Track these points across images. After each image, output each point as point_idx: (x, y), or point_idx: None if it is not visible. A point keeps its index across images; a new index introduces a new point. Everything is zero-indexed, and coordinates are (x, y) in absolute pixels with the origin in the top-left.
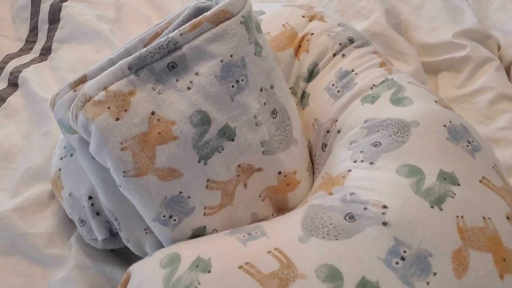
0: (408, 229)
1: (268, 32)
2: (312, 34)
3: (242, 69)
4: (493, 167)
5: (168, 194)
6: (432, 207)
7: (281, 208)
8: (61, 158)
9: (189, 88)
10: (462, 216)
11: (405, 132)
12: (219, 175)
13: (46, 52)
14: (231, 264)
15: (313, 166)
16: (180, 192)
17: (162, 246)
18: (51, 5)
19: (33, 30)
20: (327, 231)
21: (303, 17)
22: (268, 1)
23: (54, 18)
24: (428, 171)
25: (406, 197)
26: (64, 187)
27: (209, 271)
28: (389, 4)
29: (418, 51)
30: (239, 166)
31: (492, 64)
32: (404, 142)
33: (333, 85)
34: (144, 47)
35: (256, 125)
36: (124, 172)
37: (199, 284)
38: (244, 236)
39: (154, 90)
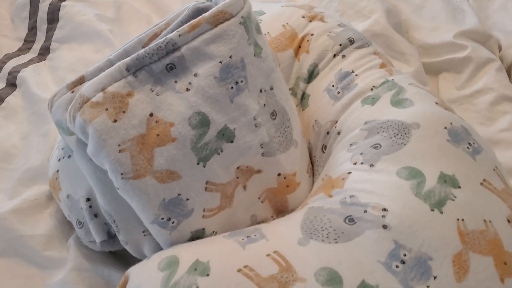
0: (408, 232)
1: (268, 33)
2: (312, 34)
3: (241, 70)
4: (494, 170)
5: (167, 197)
6: (432, 210)
7: (281, 210)
8: (59, 160)
9: (187, 90)
10: (462, 219)
11: (405, 134)
12: (218, 177)
13: (45, 52)
14: (230, 267)
15: (312, 168)
16: (179, 194)
17: (161, 249)
18: (50, 4)
19: (32, 29)
20: (327, 234)
21: (303, 17)
22: (268, 1)
23: (53, 18)
24: (428, 174)
25: (406, 200)
26: (62, 189)
27: (208, 275)
28: (390, 4)
29: (418, 52)
30: (238, 168)
31: (493, 65)
32: (405, 144)
33: (333, 86)
34: (142, 48)
35: (256, 126)
36: (122, 174)
37: (198, 287)
38: (243, 239)
39: (152, 91)
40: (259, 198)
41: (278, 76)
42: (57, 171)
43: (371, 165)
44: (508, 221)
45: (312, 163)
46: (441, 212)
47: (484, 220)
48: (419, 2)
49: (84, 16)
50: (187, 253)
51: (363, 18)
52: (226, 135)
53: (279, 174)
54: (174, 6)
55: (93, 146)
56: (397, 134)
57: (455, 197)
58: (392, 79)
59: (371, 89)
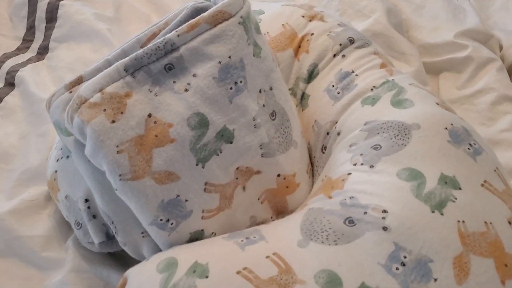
0: (409, 234)
1: (268, 32)
2: (312, 34)
3: (240, 70)
4: (494, 171)
5: (165, 198)
6: (433, 212)
7: (280, 211)
8: (57, 160)
9: (186, 90)
10: (463, 221)
11: (405, 135)
12: (217, 178)
13: (43, 51)
14: (229, 269)
15: (312, 168)
16: (178, 196)
17: (160, 250)
18: (49, 3)
19: (30, 28)
20: (327, 236)
21: (303, 17)
22: (268, 1)
23: (52, 17)
24: (429, 175)
25: (406, 201)
26: (60, 189)
27: (207, 277)
28: (390, 3)
29: (419, 51)
30: (237, 168)
31: (494, 65)
32: (405, 145)
33: (333, 86)
34: (141, 47)
35: (255, 127)
36: (120, 175)
37: None
38: (242, 241)
39: (150, 92)
40: (258, 199)
41: (278, 76)
42: (56, 171)
43: (371, 166)
44: (509, 222)
45: (311, 163)
46: (442, 214)
47: (485, 222)
48: (420, 1)
49: (82, 15)
50: (186, 254)
51: (363, 18)
52: (225, 136)
53: (278, 175)
54: (174, 5)
55: (91, 147)
56: (398, 135)
57: (456, 198)
58: (393, 79)
59: (371, 89)
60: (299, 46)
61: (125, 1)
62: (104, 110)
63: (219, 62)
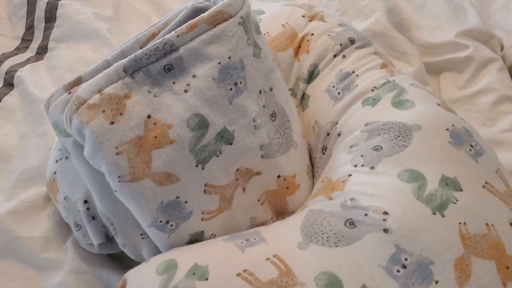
0: (410, 236)
1: (268, 32)
2: (312, 34)
3: (240, 71)
4: (496, 172)
5: (165, 199)
6: (434, 214)
7: (281, 212)
8: (57, 161)
9: (186, 91)
10: (464, 223)
11: (406, 136)
12: (217, 180)
13: (42, 51)
14: (229, 271)
15: (312, 169)
16: (177, 197)
17: (159, 251)
18: (48, 3)
19: (29, 28)
20: (327, 238)
21: (303, 17)
22: (268, 0)
23: (51, 17)
24: (430, 176)
25: (407, 203)
26: (60, 191)
27: (206, 279)
28: (391, 3)
29: (420, 51)
30: (237, 170)
31: (495, 65)
32: (406, 146)
33: (333, 86)
34: (140, 48)
35: (255, 128)
36: (119, 177)
37: None
38: (242, 242)
39: (150, 93)
40: (258, 200)
41: (278, 76)
42: (54, 172)
43: (372, 168)
44: (511, 224)
45: (312, 164)
46: (443, 216)
47: (486, 224)
48: (421, 1)
49: (82, 15)
50: (186, 256)
51: (364, 17)
52: (225, 137)
53: (278, 176)
54: (174, 5)
55: (90, 148)
56: (398, 136)
57: (457, 200)
58: (393, 80)
59: (372, 90)
60: (299, 46)
61: (125, 1)
62: (103, 111)
63: (219, 63)
